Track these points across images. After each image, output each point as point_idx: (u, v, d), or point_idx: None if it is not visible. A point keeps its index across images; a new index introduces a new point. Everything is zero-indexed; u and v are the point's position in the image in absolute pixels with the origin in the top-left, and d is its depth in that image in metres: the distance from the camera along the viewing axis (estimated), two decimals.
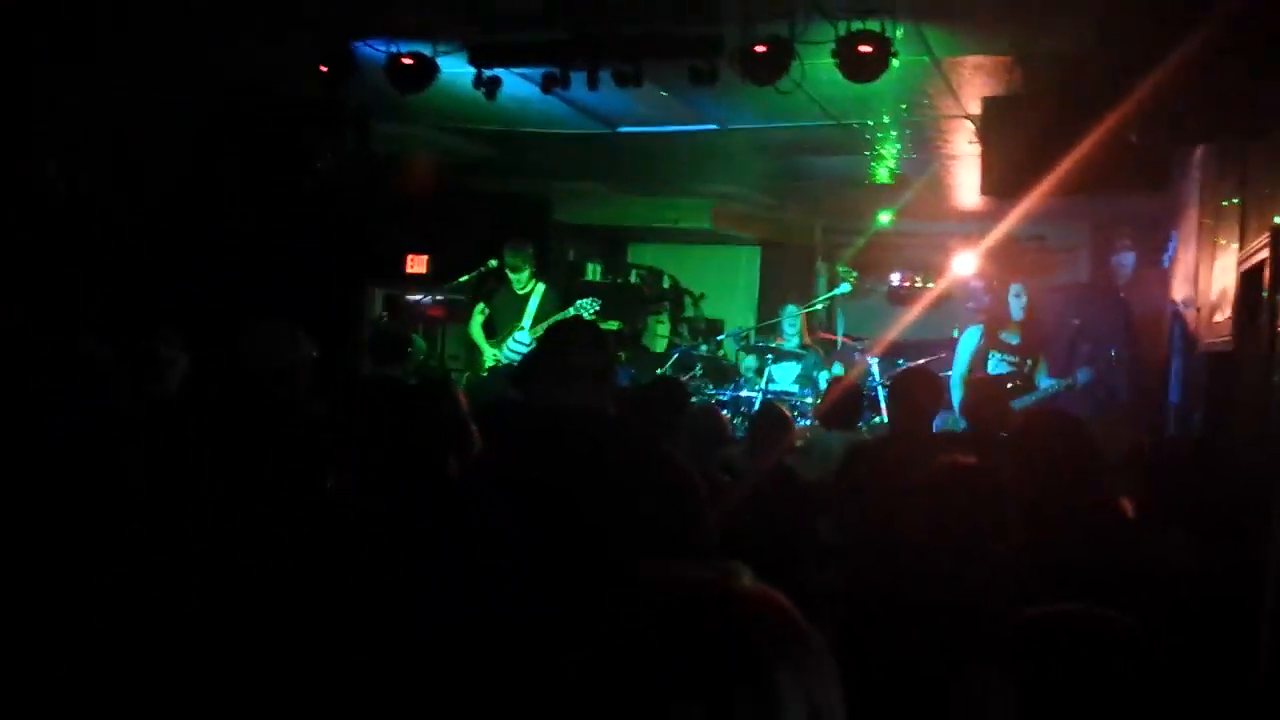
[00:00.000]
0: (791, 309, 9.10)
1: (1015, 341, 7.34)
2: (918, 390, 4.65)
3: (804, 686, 1.00)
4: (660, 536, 2.74)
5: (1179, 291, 7.32)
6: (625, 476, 2.92)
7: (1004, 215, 8.59)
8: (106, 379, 3.86)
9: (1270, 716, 3.03)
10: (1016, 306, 7.31)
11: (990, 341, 7.36)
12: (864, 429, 7.41)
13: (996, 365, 7.31)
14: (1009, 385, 7.11)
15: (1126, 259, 10.09)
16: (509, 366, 8.05)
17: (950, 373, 7.41)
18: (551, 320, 7.62)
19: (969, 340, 7.49)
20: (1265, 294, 4.50)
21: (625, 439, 3.26)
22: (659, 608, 1.02)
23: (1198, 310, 6.50)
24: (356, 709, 2.50)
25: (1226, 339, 5.46)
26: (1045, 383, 7.20)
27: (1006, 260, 10.43)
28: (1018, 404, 6.68)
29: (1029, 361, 7.27)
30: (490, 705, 2.03)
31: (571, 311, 7.76)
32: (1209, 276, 6.22)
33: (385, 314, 9.80)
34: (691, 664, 0.97)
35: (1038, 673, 1.42)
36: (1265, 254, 4.56)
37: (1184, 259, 7.20)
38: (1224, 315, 5.61)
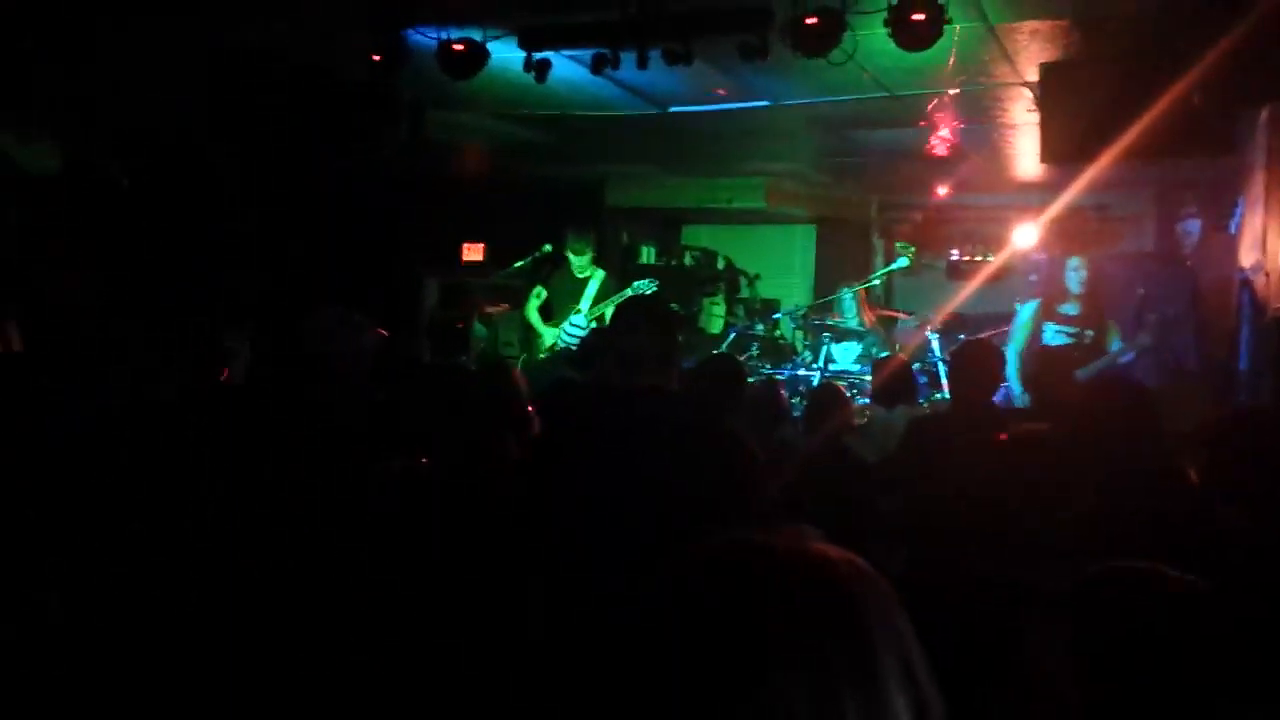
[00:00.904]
0: (845, 291, 9.06)
1: (1075, 313, 7.24)
2: (979, 362, 4.60)
3: (894, 641, 1.01)
4: (723, 510, 2.74)
5: (1246, 257, 7.15)
6: (687, 451, 2.92)
7: (1065, 185, 8.45)
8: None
9: None
10: (1075, 280, 7.21)
11: (1046, 314, 7.27)
12: (925, 405, 7.34)
13: (1053, 337, 7.21)
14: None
15: (1192, 226, 9.89)
16: (566, 349, 8.10)
17: (1008, 347, 7.32)
18: (616, 299, 7.64)
19: (1025, 315, 7.41)
20: None
21: (687, 415, 3.26)
22: (750, 578, 1.02)
23: (1266, 275, 6.35)
24: (366, 705, 2.51)
25: None
26: (1115, 347, 7.09)
27: (1069, 231, 10.26)
28: (1082, 373, 6.61)
29: (1088, 332, 7.16)
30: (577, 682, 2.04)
31: (630, 292, 7.76)
32: (1277, 240, 6.08)
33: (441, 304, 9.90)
34: (790, 632, 0.97)
35: (1097, 628, 1.40)
36: None
37: (1251, 223, 7.03)
38: None
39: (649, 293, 7.74)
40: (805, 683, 0.94)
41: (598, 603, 2.13)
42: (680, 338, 3.32)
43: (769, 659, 0.95)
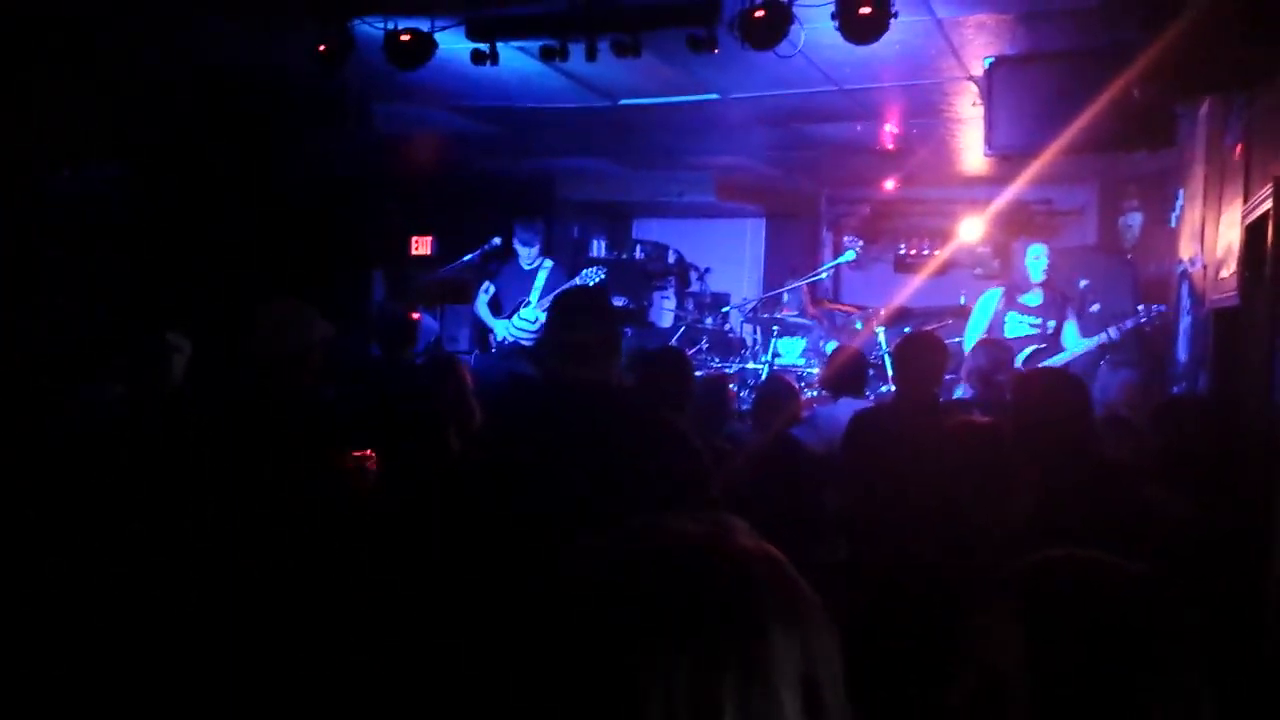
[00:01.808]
0: (791, 284, 9.12)
1: (1037, 303, 7.29)
2: (922, 355, 4.64)
3: (798, 646, 0.99)
4: (666, 505, 2.74)
5: (1186, 250, 7.27)
6: (630, 447, 2.92)
7: (1010, 179, 8.54)
8: (106, 379, 3.87)
9: (1273, 669, 3.02)
10: (1036, 269, 7.25)
11: (1008, 303, 7.32)
12: (870, 397, 7.39)
13: (1016, 327, 7.26)
14: (1033, 348, 7.08)
15: (1134, 219, 10.05)
16: (515, 343, 8.07)
17: (961, 339, 7.39)
18: (557, 292, 7.62)
19: (986, 303, 7.44)
20: (1269, 246, 4.45)
21: (627, 410, 3.25)
22: (649, 559, 1.01)
23: (1204, 268, 6.46)
24: (355, 701, 2.51)
25: (1232, 295, 5.41)
26: (1078, 344, 7.09)
27: (1013, 224, 10.39)
28: (1051, 364, 6.68)
29: (1051, 323, 7.21)
30: (483, 662, 2.04)
31: (577, 282, 7.75)
32: (1215, 232, 6.18)
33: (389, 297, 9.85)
34: (680, 617, 0.96)
35: (1041, 614, 1.42)
36: (1269, 205, 4.51)
37: (1190, 216, 7.15)
38: (1229, 271, 5.56)
39: (591, 283, 7.72)
40: (686, 668, 0.94)
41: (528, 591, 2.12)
42: (621, 328, 3.30)
43: (652, 642, 0.95)
